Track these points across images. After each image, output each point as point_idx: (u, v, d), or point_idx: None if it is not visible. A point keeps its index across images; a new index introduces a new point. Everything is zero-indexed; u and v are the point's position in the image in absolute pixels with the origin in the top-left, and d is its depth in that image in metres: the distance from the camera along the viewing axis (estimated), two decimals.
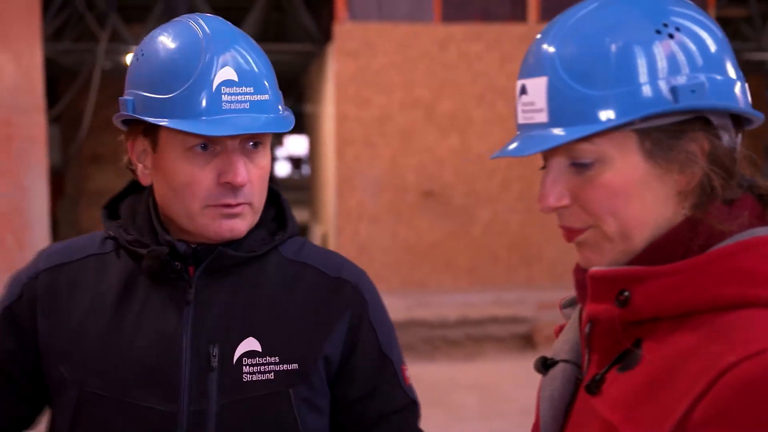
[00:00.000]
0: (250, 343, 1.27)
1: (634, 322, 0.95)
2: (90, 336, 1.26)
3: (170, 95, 1.20)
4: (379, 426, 1.38)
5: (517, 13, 9.39)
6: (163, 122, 1.19)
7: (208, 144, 1.21)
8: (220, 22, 1.27)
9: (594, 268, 0.98)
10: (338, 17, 9.13)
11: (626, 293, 0.94)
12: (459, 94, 9.18)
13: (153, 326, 1.26)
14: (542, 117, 0.97)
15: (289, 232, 1.35)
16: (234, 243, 1.27)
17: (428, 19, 9.24)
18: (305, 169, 40.91)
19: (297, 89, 17.37)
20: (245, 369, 1.27)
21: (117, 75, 12.74)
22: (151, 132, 1.24)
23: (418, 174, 9.19)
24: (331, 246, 9.68)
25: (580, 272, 1.04)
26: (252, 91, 1.22)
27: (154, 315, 1.26)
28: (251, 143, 1.24)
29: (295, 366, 1.29)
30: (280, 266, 1.33)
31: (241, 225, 1.25)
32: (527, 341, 7.84)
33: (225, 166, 1.22)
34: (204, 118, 1.18)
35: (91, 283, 1.29)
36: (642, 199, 0.95)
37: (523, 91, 1.00)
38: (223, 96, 1.19)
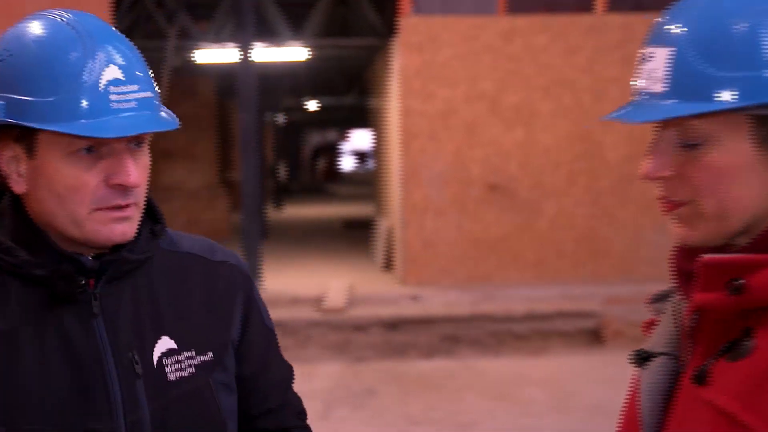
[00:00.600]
0: (165, 343, 1.26)
1: (744, 312, 0.95)
2: (2, 377, 1.17)
3: (52, 98, 1.13)
4: (270, 398, 1.40)
5: (584, 3, 9.26)
6: (53, 127, 1.13)
7: (94, 146, 1.16)
8: (89, 17, 1.21)
9: (707, 256, 0.97)
10: (403, 11, 9.13)
11: (740, 281, 0.93)
12: (524, 86, 9.11)
13: (66, 348, 1.19)
14: (659, 87, 0.97)
15: (162, 224, 1.31)
16: (126, 246, 1.23)
17: (493, 11, 9.18)
18: (370, 164, 41.17)
19: (361, 84, 17.45)
20: (167, 369, 1.25)
21: (187, 72, 12.98)
22: (26, 137, 1.16)
23: (483, 167, 9.14)
24: (397, 239, 9.71)
25: (682, 261, 1.03)
26: (137, 89, 1.18)
27: (61, 336, 1.19)
28: (134, 142, 1.20)
29: (210, 355, 1.29)
30: (164, 260, 1.30)
31: (131, 227, 1.21)
32: (595, 336, 7.74)
33: (114, 168, 1.16)
34: (90, 120, 1.13)
35: None
36: (746, 183, 0.95)
37: (647, 57, 0.99)
38: (110, 96, 1.14)
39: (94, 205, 1.17)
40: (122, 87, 1.16)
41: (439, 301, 8.55)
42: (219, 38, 10.81)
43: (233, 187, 17.09)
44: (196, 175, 14.12)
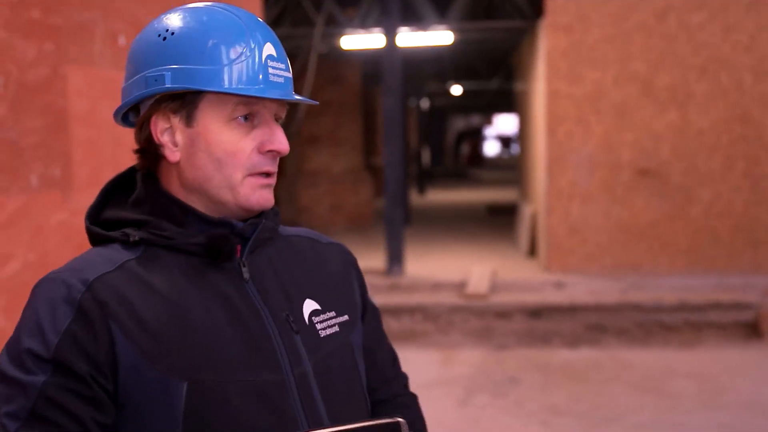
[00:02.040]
0: (310, 304, 1.33)
1: None
2: (175, 333, 1.20)
3: (219, 65, 1.22)
4: (386, 370, 1.48)
5: None
6: (230, 90, 1.21)
7: (249, 116, 1.25)
8: (232, 6, 1.30)
9: None
10: None
11: None
12: (678, 66, 8.72)
13: (229, 310, 1.25)
14: None
15: (274, 207, 1.37)
16: (262, 216, 1.32)
17: None
18: (514, 148, 40.74)
19: (506, 68, 17.21)
20: (318, 326, 1.33)
21: (333, 58, 13.18)
22: (187, 105, 1.24)
23: (633, 151, 8.83)
24: (541, 226, 9.53)
25: None
26: (284, 67, 1.28)
27: (223, 299, 1.25)
28: (278, 118, 1.30)
29: (346, 317, 1.38)
30: (281, 241, 1.39)
31: (272, 196, 1.31)
32: (752, 329, 7.35)
33: (267, 136, 1.26)
34: (257, 86, 1.23)
35: (146, 287, 1.22)
36: None
37: None
38: (269, 69, 1.25)
39: (248, 170, 1.26)
40: (276, 63, 1.26)
41: (585, 288, 8.33)
42: (365, 24, 10.90)
43: (377, 173, 17.27)
44: (341, 160, 14.33)
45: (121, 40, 4.05)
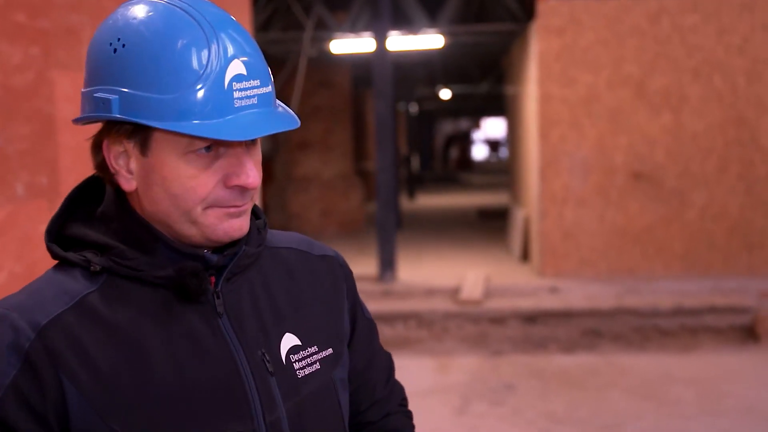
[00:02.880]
0: (290, 339, 1.21)
1: None
2: (133, 384, 1.08)
3: (172, 95, 1.04)
4: (377, 389, 1.38)
5: None
6: (174, 128, 1.04)
7: (212, 145, 1.08)
8: (201, 1, 1.11)
9: None
10: None
11: None
12: (672, 69, 8.67)
13: (196, 350, 1.12)
14: None
15: (264, 220, 1.25)
16: (242, 240, 1.17)
17: None
18: (502, 152, 40.73)
19: (495, 71, 17.17)
20: (296, 366, 1.20)
21: (322, 62, 13.09)
22: (140, 133, 1.08)
23: (627, 155, 8.78)
24: (535, 230, 9.46)
25: None
26: (258, 84, 1.09)
27: (189, 337, 1.12)
28: (251, 140, 1.12)
29: (330, 350, 1.26)
30: (268, 256, 1.25)
31: (246, 222, 1.15)
32: (749, 333, 7.30)
33: (233, 168, 1.09)
34: (213, 120, 1.05)
35: (104, 327, 1.09)
36: None
37: None
38: (234, 93, 1.06)
39: (209, 204, 1.11)
40: (245, 83, 1.08)
41: (580, 293, 8.26)
42: (355, 28, 10.82)
43: (367, 178, 17.20)
44: (331, 165, 14.24)
45: None
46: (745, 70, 8.60)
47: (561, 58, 8.77)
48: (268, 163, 13.51)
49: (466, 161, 36.81)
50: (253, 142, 1.12)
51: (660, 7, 8.65)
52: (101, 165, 1.14)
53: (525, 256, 10.26)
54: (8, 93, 3.15)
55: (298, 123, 1.14)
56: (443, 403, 5.71)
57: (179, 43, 1.05)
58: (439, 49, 12.65)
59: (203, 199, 1.09)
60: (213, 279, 1.15)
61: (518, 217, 10.95)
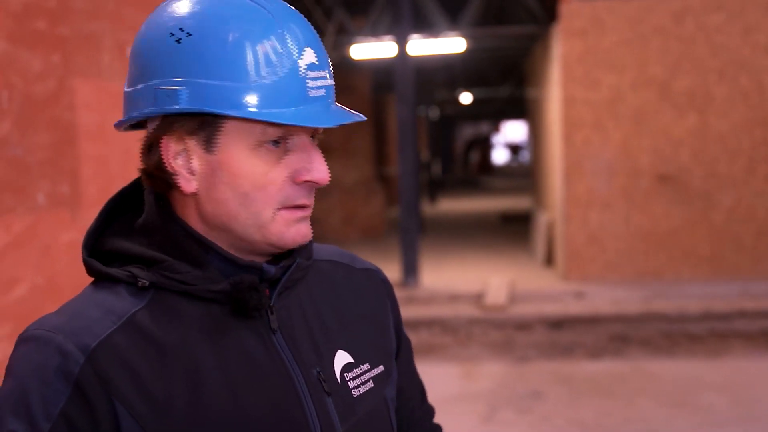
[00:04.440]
0: (343, 357, 1.13)
1: None
2: (188, 407, 1.00)
3: (247, 82, 0.98)
4: (416, 409, 1.30)
5: None
6: (258, 116, 0.97)
7: (280, 139, 1.02)
8: None
9: None
10: None
11: None
12: (697, 70, 8.56)
13: (251, 369, 1.04)
14: None
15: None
16: (296, 251, 1.10)
17: None
18: (523, 156, 40.57)
19: (516, 74, 17.07)
20: (351, 384, 1.12)
21: (343, 67, 13.06)
22: (207, 127, 1.00)
23: (652, 157, 8.66)
24: (559, 234, 9.36)
25: None
26: (326, 75, 1.04)
27: (243, 356, 1.04)
28: (313, 136, 1.06)
29: (381, 367, 1.18)
30: (312, 269, 1.17)
31: (310, 228, 1.08)
32: None
33: (303, 163, 1.03)
34: (290, 108, 0.99)
35: (156, 348, 1.01)
36: None
37: None
38: (308, 82, 1.01)
39: (279, 204, 1.03)
40: (317, 72, 1.02)
41: (606, 298, 8.15)
42: (375, 32, 10.78)
43: (388, 183, 17.14)
44: (353, 170, 14.21)
45: (130, 52, 3.92)
46: None
47: (584, 59, 8.67)
48: None
49: (486, 165, 36.70)
50: (315, 139, 1.07)
51: (684, 6, 8.53)
52: (157, 166, 1.04)
53: (549, 260, 10.16)
54: (28, 101, 3.11)
55: (363, 118, 1.08)
56: (470, 411, 5.63)
57: (251, 27, 1.00)
58: (460, 53, 12.58)
59: (275, 197, 1.03)
60: (267, 292, 1.08)
61: (541, 221, 10.84)
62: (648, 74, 8.61)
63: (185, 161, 1.03)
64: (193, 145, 1.02)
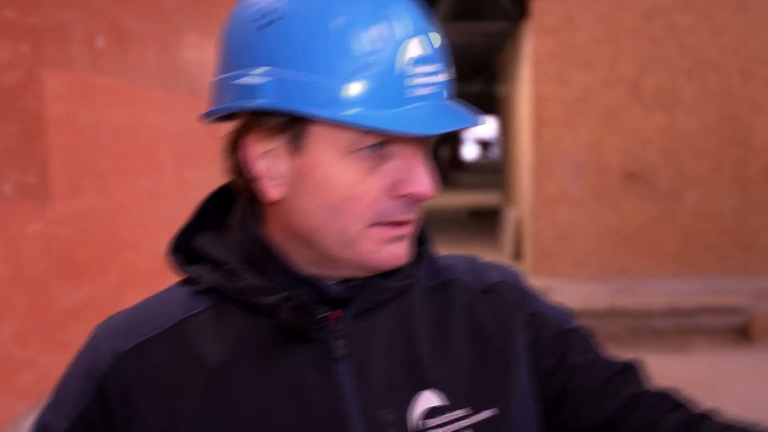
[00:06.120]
0: (429, 398, 0.94)
1: None
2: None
3: (339, 78, 0.84)
4: (650, 394, 1.05)
5: None
6: (354, 120, 0.84)
7: (379, 144, 0.88)
8: None
9: None
10: None
11: None
12: (666, 69, 8.65)
13: (295, 400, 0.90)
14: None
15: (427, 245, 1.00)
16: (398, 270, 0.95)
17: None
18: (493, 152, 40.72)
19: (487, 71, 17.15)
20: None
21: None
22: (296, 126, 0.87)
23: (621, 155, 8.75)
24: (528, 231, 9.43)
25: None
26: (438, 68, 0.89)
27: (292, 387, 0.90)
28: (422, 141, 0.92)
29: (492, 411, 0.96)
30: (421, 289, 1.00)
31: (407, 248, 0.92)
32: (742, 334, 7.27)
33: (403, 173, 0.88)
34: (390, 109, 0.85)
35: (193, 362, 0.91)
36: None
37: None
38: (412, 79, 0.86)
39: (373, 220, 0.89)
40: (425, 67, 0.88)
41: (573, 294, 8.23)
42: None
43: None
44: None
45: (100, 43, 3.88)
46: (740, 69, 8.58)
47: (555, 57, 8.73)
48: None
49: (456, 161, 36.80)
50: (426, 142, 0.92)
51: (654, 6, 8.62)
52: (238, 168, 0.92)
53: (517, 255, 10.23)
54: None
55: (481, 120, 0.93)
56: None
57: (349, 15, 0.85)
58: None
59: (366, 210, 0.88)
60: (337, 314, 0.93)
61: (510, 217, 10.91)
62: (618, 73, 8.69)
63: (271, 163, 0.89)
64: (278, 146, 0.88)
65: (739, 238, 8.74)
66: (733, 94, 8.60)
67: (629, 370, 1.06)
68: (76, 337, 3.57)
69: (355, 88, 0.84)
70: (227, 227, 0.97)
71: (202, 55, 5.74)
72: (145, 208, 4.47)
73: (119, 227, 4.12)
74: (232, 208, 0.98)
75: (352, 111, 0.84)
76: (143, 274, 4.27)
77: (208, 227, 0.98)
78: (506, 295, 1.03)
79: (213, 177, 5.55)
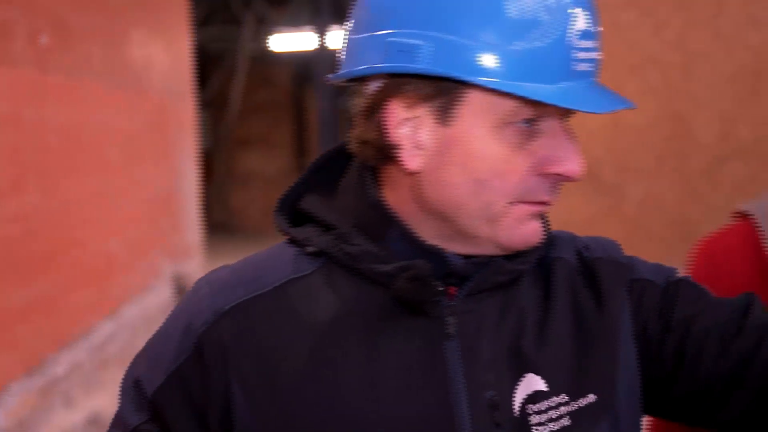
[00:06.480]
0: (531, 383, 0.90)
1: None
2: (317, 406, 0.86)
3: (511, 43, 0.79)
4: (746, 329, 0.95)
5: None
6: (511, 88, 0.79)
7: (532, 120, 0.83)
8: None
9: None
10: None
11: None
12: (610, 64, 8.77)
13: (399, 375, 0.86)
14: None
15: (547, 224, 0.95)
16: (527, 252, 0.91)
17: None
18: None
19: None
20: (533, 420, 0.89)
21: (264, 60, 12.99)
22: (447, 94, 0.82)
23: None
24: None
25: None
26: (597, 45, 0.85)
27: (399, 360, 0.87)
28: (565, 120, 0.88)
29: (592, 397, 0.91)
30: (533, 271, 0.96)
31: (544, 227, 0.90)
32: None
33: (552, 149, 0.84)
34: (558, 84, 0.80)
35: (298, 324, 0.88)
36: None
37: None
38: (578, 53, 0.82)
39: (517, 197, 0.85)
40: (588, 42, 0.83)
41: None
42: (296, 22, 10.75)
43: None
44: (273, 161, 14.18)
45: (44, 40, 3.84)
46: (681, 65, 8.77)
47: None
48: (208, 159, 13.37)
49: None
50: (565, 121, 0.87)
51: (599, 3, 8.75)
52: (376, 134, 0.86)
53: None
54: None
55: (635, 104, 0.91)
56: None
57: None
58: None
59: (513, 188, 0.84)
60: (453, 290, 0.89)
61: None
62: None
63: (412, 132, 0.84)
64: (424, 113, 0.83)
65: (682, 229, 8.94)
66: (672, 90, 8.79)
67: (749, 305, 0.96)
68: (24, 338, 3.53)
69: (520, 57, 0.79)
70: (336, 190, 0.93)
71: (149, 52, 5.70)
72: (92, 207, 4.42)
73: (66, 226, 4.07)
74: (342, 171, 0.94)
75: (515, 81, 0.79)
76: (91, 272, 4.23)
77: (316, 190, 0.95)
78: (611, 272, 0.98)
79: (162, 175, 5.55)
